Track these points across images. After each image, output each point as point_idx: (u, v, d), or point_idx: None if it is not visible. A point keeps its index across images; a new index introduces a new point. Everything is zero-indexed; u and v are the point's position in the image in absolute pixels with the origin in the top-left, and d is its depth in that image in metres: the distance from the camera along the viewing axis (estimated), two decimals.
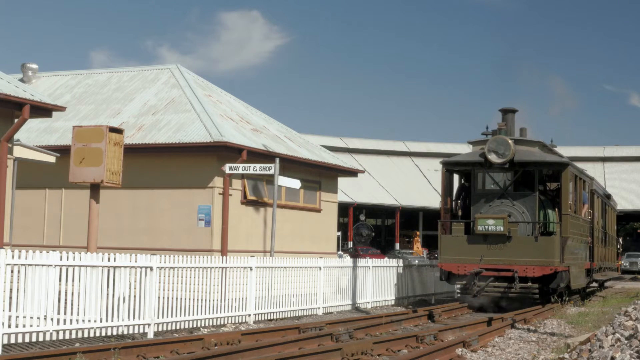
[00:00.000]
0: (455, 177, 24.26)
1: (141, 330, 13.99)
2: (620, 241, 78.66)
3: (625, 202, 64.50)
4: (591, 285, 29.88)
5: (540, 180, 23.54)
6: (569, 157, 27.30)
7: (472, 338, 13.33)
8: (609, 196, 34.11)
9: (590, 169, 47.10)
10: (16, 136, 18.21)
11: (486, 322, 16.71)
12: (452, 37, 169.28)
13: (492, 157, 21.97)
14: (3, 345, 11.55)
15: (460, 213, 23.52)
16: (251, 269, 17.47)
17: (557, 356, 10.67)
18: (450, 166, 23.32)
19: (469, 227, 22.50)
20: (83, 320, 13.00)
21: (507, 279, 21.35)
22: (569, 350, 10.74)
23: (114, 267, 13.69)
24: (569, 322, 17.61)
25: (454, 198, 23.63)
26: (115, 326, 13.49)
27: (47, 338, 12.28)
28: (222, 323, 16.28)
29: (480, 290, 21.38)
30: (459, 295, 22.59)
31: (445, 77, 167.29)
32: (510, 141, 21.97)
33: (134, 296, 13.97)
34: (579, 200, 24.04)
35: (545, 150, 23.45)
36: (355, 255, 49.03)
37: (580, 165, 30.36)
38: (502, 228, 21.43)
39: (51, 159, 19.50)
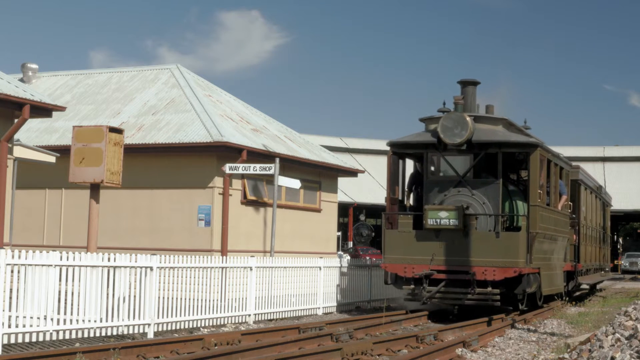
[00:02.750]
0: (410, 163, 20.97)
1: (141, 330, 13.99)
2: (621, 241, 78.77)
3: (625, 202, 64.47)
4: (580, 288, 27.15)
5: (509, 167, 20.46)
6: (569, 157, 26.40)
7: (472, 338, 13.33)
8: (600, 188, 30.28)
9: (590, 169, 47.12)
10: (16, 136, 18.22)
11: (486, 322, 16.71)
12: (452, 37, 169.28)
13: (446, 137, 18.38)
14: (3, 345, 11.55)
15: (413, 204, 20.26)
16: (251, 269, 17.47)
17: (557, 356, 10.68)
18: (398, 148, 19.61)
19: (419, 220, 18.77)
20: (83, 320, 13.00)
21: (464, 282, 17.88)
22: (569, 350, 10.74)
23: (114, 267, 13.70)
24: (569, 322, 17.62)
25: (406, 187, 20.40)
26: (115, 326, 13.49)
27: (47, 338, 12.28)
28: (222, 323, 16.28)
29: (430, 296, 17.96)
30: (408, 300, 18.99)
31: (445, 77, 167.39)
32: (468, 118, 18.31)
33: (134, 296, 13.98)
34: (554, 190, 20.31)
35: (513, 130, 19.80)
36: (355, 255, 49.07)
37: (580, 165, 29.88)
38: (456, 222, 17.83)
39: (51, 159, 19.51)
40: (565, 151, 33.76)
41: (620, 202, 64.23)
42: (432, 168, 19.47)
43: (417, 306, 19.52)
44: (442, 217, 17.95)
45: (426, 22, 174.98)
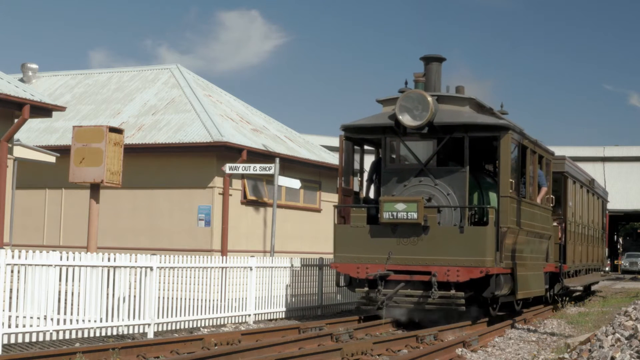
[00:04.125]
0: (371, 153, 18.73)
1: (141, 330, 13.99)
2: (621, 241, 78.78)
3: (625, 202, 64.48)
4: (571, 290, 25.32)
5: (485, 155, 18.25)
6: (569, 157, 25.70)
7: (472, 338, 13.34)
8: (592, 182, 27.72)
9: (590, 169, 47.12)
10: (16, 136, 18.23)
11: (486, 322, 16.71)
12: (451, 37, 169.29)
13: (405, 119, 16.23)
14: (3, 345, 11.55)
15: (374, 197, 17.95)
16: (251, 269, 17.47)
17: (557, 356, 10.68)
18: (353, 133, 17.44)
19: (375, 214, 16.51)
20: (83, 320, 13.01)
21: (426, 284, 15.70)
22: (569, 350, 10.75)
23: (114, 267, 13.70)
24: (569, 322, 17.63)
25: (366, 178, 18.26)
26: (115, 326, 13.50)
27: (47, 338, 12.28)
28: (222, 323, 16.28)
29: (386, 299, 15.83)
30: (362, 305, 16.74)
31: (445, 77, 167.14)
32: (429, 98, 16.11)
33: (134, 296, 13.98)
34: (531, 180, 18.07)
35: (484, 112, 17.34)
36: None
37: (580, 165, 28.85)
38: (415, 215, 15.64)
39: (51, 159, 19.52)
40: (565, 151, 33.36)
41: (620, 202, 64.25)
42: (392, 155, 17.33)
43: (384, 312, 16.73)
44: (399, 210, 15.77)
45: (426, 21, 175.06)
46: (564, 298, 21.90)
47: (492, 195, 17.03)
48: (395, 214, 15.81)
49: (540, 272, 18.91)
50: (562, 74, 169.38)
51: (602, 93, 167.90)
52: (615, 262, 68.71)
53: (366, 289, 16.18)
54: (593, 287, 32.34)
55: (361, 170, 18.19)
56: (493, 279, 15.68)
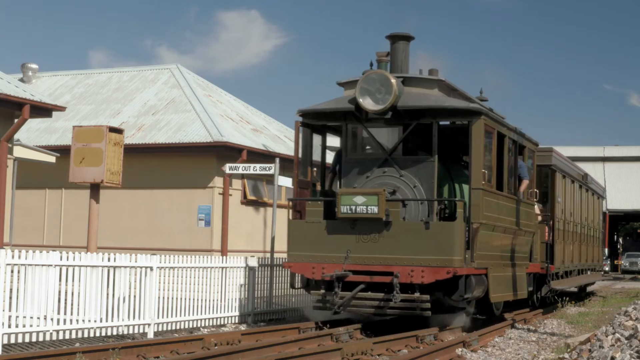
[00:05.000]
0: (334, 140, 17.35)
1: (141, 330, 13.99)
2: (621, 241, 78.83)
3: (625, 202, 64.47)
4: (562, 293, 23.38)
5: (461, 146, 16.05)
6: (569, 157, 25.63)
7: (472, 338, 13.34)
8: (585, 177, 25.76)
9: (590, 169, 47.01)
10: (16, 136, 18.24)
11: (486, 322, 16.71)
12: (451, 36, 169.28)
13: (366, 103, 14.53)
14: (3, 345, 11.55)
15: (335, 190, 15.86)
16: (252, 269, 17.45)
17: (557, 356, 10.68)
18: (311, 119, 15.73)
19: (333, 208, 14.83)
20: (83, 320, 13.01)
21: (388, 286, 14.02)
22: (569, 350, 10.75)
23: (114, 267, 13.70)
24: (569, 322, 17.62)
25: (329, 169, 16.59)
26: (115, 326, 13.50)
27: (47, 338, 12.28)
28: (222, 323, 16.28)
29: (344, 303, 14.22)
30: (318, 309, 14.96)
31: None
32: (392, 79, 14.40)
33: (134, 296, 13.98)
34: (510, 172, 16.38)
35: (456, 96, 15.64)
36: None
37: (580, 165, 28.41)
38: (375, 209, 13.97)
39: (51, 159, 19.52)
40: (565, 151, 32.88)
41: (620, 202, 64.26)
42: (354, 144, 15.75)
43: (350, 316, 15.48)
44: (358, 204, 14.08)
45: (426, 22, 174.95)
46: (564, 298, 21.79)
47: (465, 188, 15.34)
48: (353, 208, 14.15)
49: (522, 273, 17.19)
50: (562, 73, 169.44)
51: (602, 93, 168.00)
52: (615, 262, 68.77)
53: (322, 291, 14.54)
54: (590, 288, 31.56)
55: (323, 161, 16.46)
56: (462, 280, 14.03)
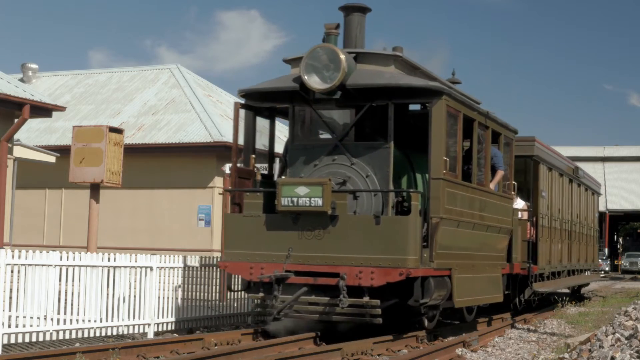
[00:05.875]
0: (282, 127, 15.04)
1: (141, 330, 13.99)
2: (621, 241, 78.87)
3: (625, 202, 64.54)
4: (549, 295, 22.09)
5: (421, 130, 13.38)
6: (569, 157, 25.10)
7: (472, 338, 13.33)
8: (576, 170, 23.60)
9: (590, 169, 47.12)
10: (16, 136, 18.25)
11: (486, 322, 16.70)
12: (450, 36, 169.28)
13: (312, 81, 12.60)
14: (3, 345, 11.55)
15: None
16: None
17: (557, 356, 10.68)
18: (253, 100, 13.97)
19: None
20: (83, 320, 13.00)
21: (335, 289, 12.11)
22: (569, 350, 10.76)
23: (114, 267, 13.69)
24: (569, 322, 17.62)
25: (279, 159, 14.66)
26: (115, 326, 13.49)
27: (47, 338, 12.28)
28: (222, 323, 16.26)
29: (284, 308, 12.46)
30: (257, 315, 13.95)
31: (445, 76, 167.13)
32: (341, 55, 12.53)
33: (134, 296, 13.97)
34: (481, 161, 14.49)
35: (418, 74, 13.63)
36: None
37: (580, 165, 27.41)
38: (320, 202, 12.10)
39: (51, 159, 19.54)
40: (566, 151, 32.60)
41: (620, 202, 64.34)
42: (303, 129, 13.95)
43: (302, 324, 13.35)
44: (300, 195, 12.25)
45: (425, 22, 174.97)
46: (564, 298, 21.77)
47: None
48: (295, 200, 12.27)
49: (497, 275, 15.32)
50: (562, 74, 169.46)
51: (602, 93, 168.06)
52: (615, 262, 68.82)
53: (261, 294, 12.67)
54: (585, 290, 30.17)
55: (271, 148, 14.69)
56: (417, 282, 12.16)
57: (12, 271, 12.06)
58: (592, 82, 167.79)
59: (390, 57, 13.24)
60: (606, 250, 67.06)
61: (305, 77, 12.68)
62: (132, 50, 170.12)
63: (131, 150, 21.01)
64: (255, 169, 14.04)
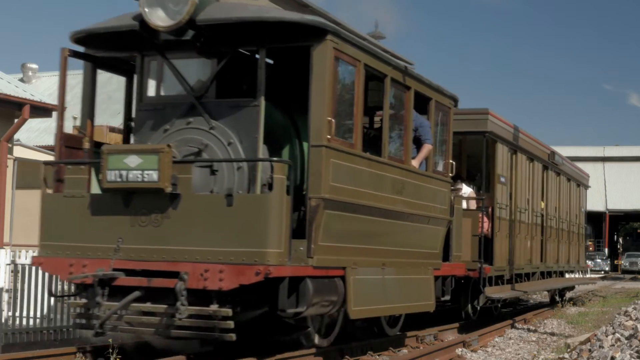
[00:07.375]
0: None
1: None
2: (621, 241, 78.95)
3: (625, 202, 64.62)
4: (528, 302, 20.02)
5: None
6: (569, 157, 24.67)
7: (472, 338, 13.34)
8: (552, 155, 20.22)
9: (591, 169, 47.04)
10: (16, 136, 18.27)
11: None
12: (450, 36, 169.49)
13: (153, 16, 9.27)
14: (3, 346, 11.56)
15: None
16: None
17: (557, 356, 10.69)
18: (91, 47, 11.46)
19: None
20: None
21: (173, 292, 8.71)
22: (569, 350, 10.76)
23: None
24: (569, 322, 17.64)
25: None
26: None
27: (47, 338, 12.28)
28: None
29: (107, 319, 9.16)
30: (80, 328, 10.75)
31: (441, 77, 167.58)
32: None
33: None
34: (396, 130, 11.19)
35: (306, 12, 10.92)
36: None
37: (580, 165, 27.56)
38: (155, 176, 8.84)
39: (51, 159, 19.54)
40: (565, 151, 32.49)
41: (620, 202, 64.44)
42: (155, 84, 10.69)
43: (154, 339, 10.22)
44: (130, 168, 8.99)
45: (426, 21, 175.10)
46: (563, 299, 21.77)
47: None
48: (125, 173, 9.00)
49: (427, 277, 12.09)
50: (562, 74, 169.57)
51: (602, 93, 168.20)
52: (615, 262, 68.89)
53: (83, 300, 9.43)
54: (571, 294, 25.81)
55: (128, 113, 11.46)
56: (284, 285, 8.92)
57: (12, 271, 12.07)
58: (592, 82, 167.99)
59: None
60: (606, 250, 67.15)
61: (146, 10, 9.36)
62: None
63: None
64: (82, 134, 10.99)
